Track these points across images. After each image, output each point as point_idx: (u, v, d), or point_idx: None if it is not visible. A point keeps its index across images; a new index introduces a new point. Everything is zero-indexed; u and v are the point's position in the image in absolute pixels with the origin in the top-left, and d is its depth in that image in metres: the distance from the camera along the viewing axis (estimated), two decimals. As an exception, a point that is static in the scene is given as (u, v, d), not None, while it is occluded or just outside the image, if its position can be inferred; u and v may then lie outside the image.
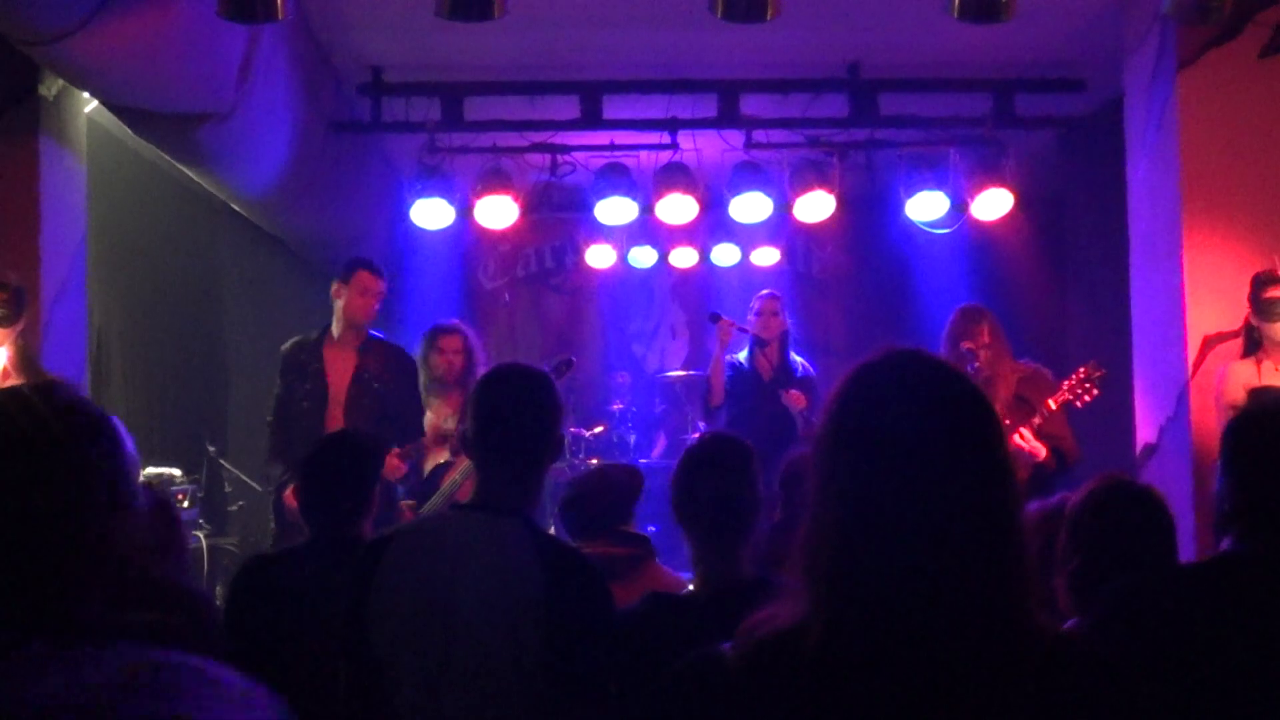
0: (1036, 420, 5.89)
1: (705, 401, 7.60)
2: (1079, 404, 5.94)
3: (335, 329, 6.28)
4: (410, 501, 6.28)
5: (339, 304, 6.25)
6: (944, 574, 1.60)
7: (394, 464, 5.89)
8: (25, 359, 5.55)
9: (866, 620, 1.61)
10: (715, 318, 7.56)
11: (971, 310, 6.37)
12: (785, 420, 7.26)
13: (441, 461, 6.51)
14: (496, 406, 2.95)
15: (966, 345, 6.14)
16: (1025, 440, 5.81)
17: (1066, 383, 5.98)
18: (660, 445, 10.52)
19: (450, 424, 6.45)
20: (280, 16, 4.63)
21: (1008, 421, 5.76)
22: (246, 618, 3.67)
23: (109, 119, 6.50)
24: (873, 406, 1.69)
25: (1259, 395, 5.44)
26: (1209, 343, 6.12)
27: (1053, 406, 5.93)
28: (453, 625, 2.76)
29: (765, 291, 7.74)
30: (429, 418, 6.51)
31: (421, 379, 6.59)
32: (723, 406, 7.43)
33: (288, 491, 5.74)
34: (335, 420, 6.06)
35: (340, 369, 6.19)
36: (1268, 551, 2.44)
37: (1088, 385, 5.92)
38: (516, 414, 2.94)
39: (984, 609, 1.60)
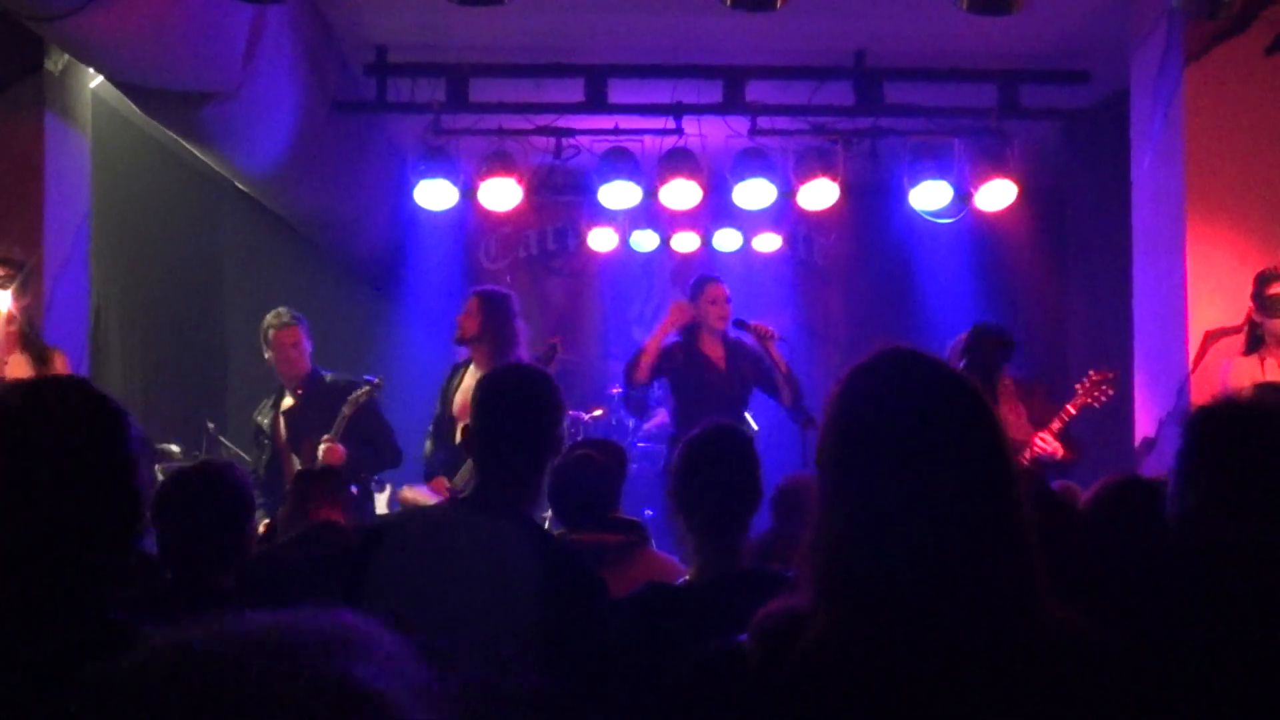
0: (1056, 424, 5.88)
1: (628, 375, 7.06)
2: (1097, 405, 5.94)
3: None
4: (442, 478, 6.32)
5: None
6: (951, 569, 1.62)
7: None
8: (28, 334, 5.56)
9: (876, 618, 1.62)
10: (742, 324, 6.94)
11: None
12: (739, 405, 7.07)
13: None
14: (496, 407, 2.95)
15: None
16: (1046, 443, 5.83)
17: (1080, 386, 5.97)
18: (659, 419, 10.41)
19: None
20: (287, -3, 4.62)
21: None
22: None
23: (113, 94, 6.50)
24: (872, 406, 1.70)
25: (1264, 391, 5.44)
26: (1210, 337, 6.12)
27: (1073, 411, 5.92)
28: (445, 623, 2.71)
29: (711, 275, 7.27)
30: (459, 396, 6.52)
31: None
32: (648, 388, 7.11)
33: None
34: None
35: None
36: (1241, 540, 2.45)
37: (1103, 386, 5.92)
38: (516, 415, 2.92)
39: (991, 602, 1.62)
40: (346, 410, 6.44)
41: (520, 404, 2.93)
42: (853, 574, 1.64)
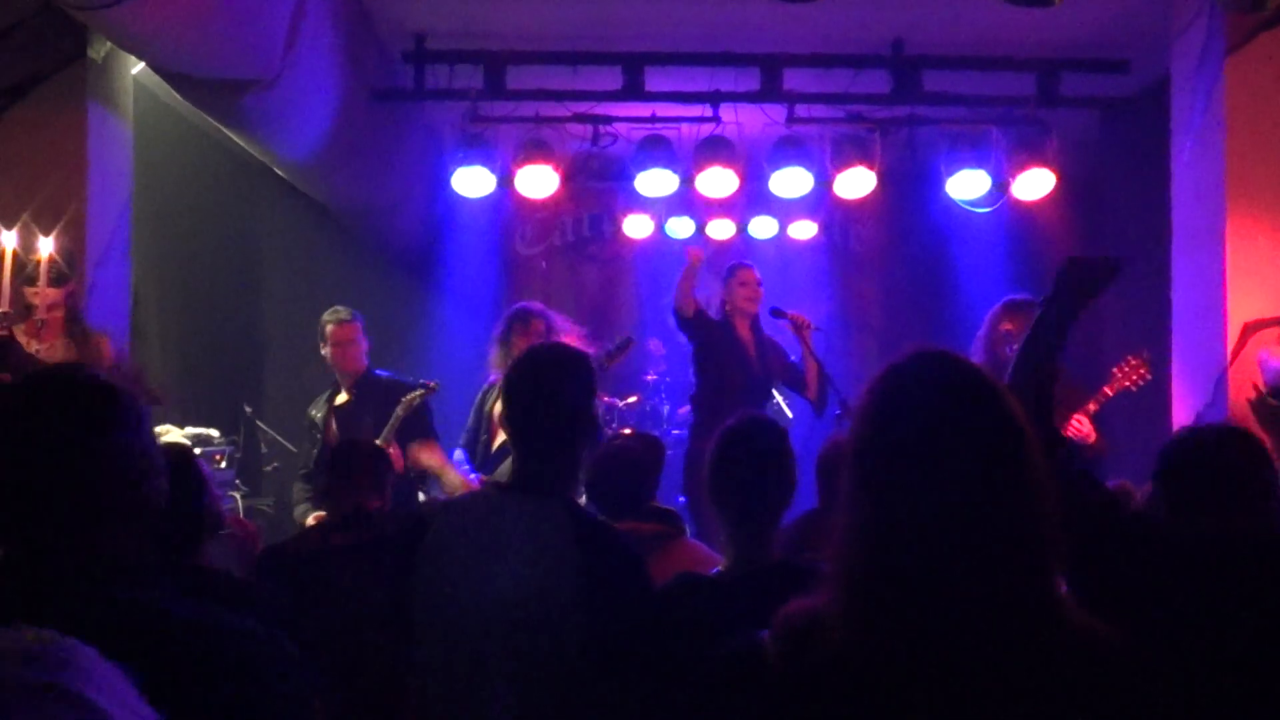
0: (1092, 406, 5.89)
1: (678, 312, 7.08)
2: (1134, 389, 5.94)
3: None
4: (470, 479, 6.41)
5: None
6: (972, 572, 1.63)
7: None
8: (73, 320, 5.64)
9: (897, 616, 1.64)
10: (779, 313, 6.89)
11: (1016, 302, 6.32)
12: (767, 391, 7.24)
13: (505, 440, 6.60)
14: (530, 388, 2.97)
15: (1006, 327, 6.15)
16: (1081, 425, 5.84)
17: (1119, 370, 5.97)
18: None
19: None
20: (329, -14, 4.65)
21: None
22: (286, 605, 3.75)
23: (155, 81, 6.55)
24: (901, 409, 1.72)
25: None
26: (1249, 329, 6.08)
27: (1109, 393, 5.92)
28: (492, 604, 2.78)
29: (746, 263, 7.36)
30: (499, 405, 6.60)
31: (498, 359, 6.70)
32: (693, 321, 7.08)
33: None
34: None
35: None
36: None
37: (1141, 370, 5.92)
38: (550, 395, 2.94)
39: (1011, 603, 1.64)
40: (400, 411, 6.50)
41: (553, 386, 2.95)
42: (876, 573, 1.66)
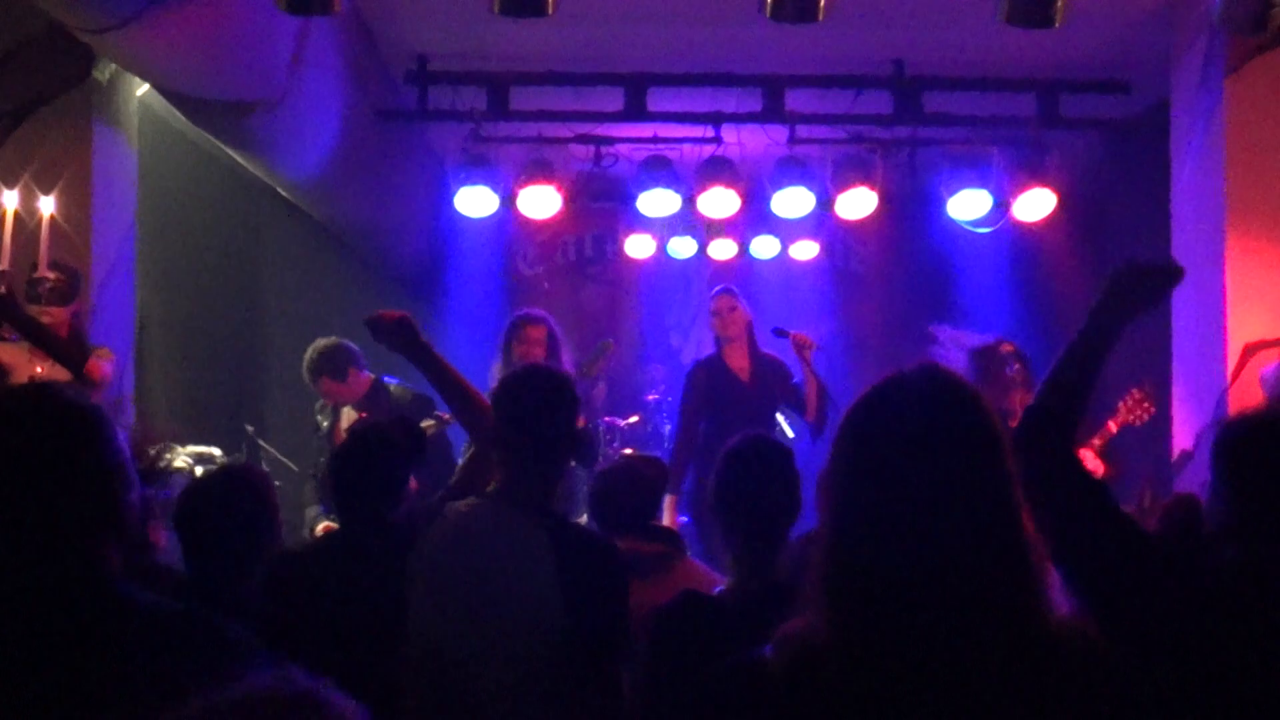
0: (1097, 442, 5.86)
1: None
2: (1138, 424, 5.92)
3: None
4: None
5: None
6: (955, 585, 1.66)
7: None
8: (77, 340, 5.66)
9: (881, 628, 1.67)
10: (781, 332, 6.96)
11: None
12: (768, 418, 7.16)
13: None
14: (515, 408, 3.19)
15: (1007, 348, 6.14)
16: (1087, 462, 5.80)
17: (1122, 404, 5.95)
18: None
19: None
20: (335, 9, 4.69)
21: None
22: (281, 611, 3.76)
23: (160, 102, 6.59)
24: (886, 423, 1.75)
25: None
26: (1250, 350, 6.09)
27: (1113, 429, 5.91)
28: (481, 611, 2.98)
29: (717, 289, 7.37)
30: None
31: (499, 370, 6.67)
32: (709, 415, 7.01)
33: None
34: None
35: None
36: (1271, 561, 2.43)
37: (1145, 404, 5.89)
38: (534, 415, 3.16)
39: (996, 616, 1.67)
40: None
41: (537, 406, 3.18)
42: (859, 586, 1.69)
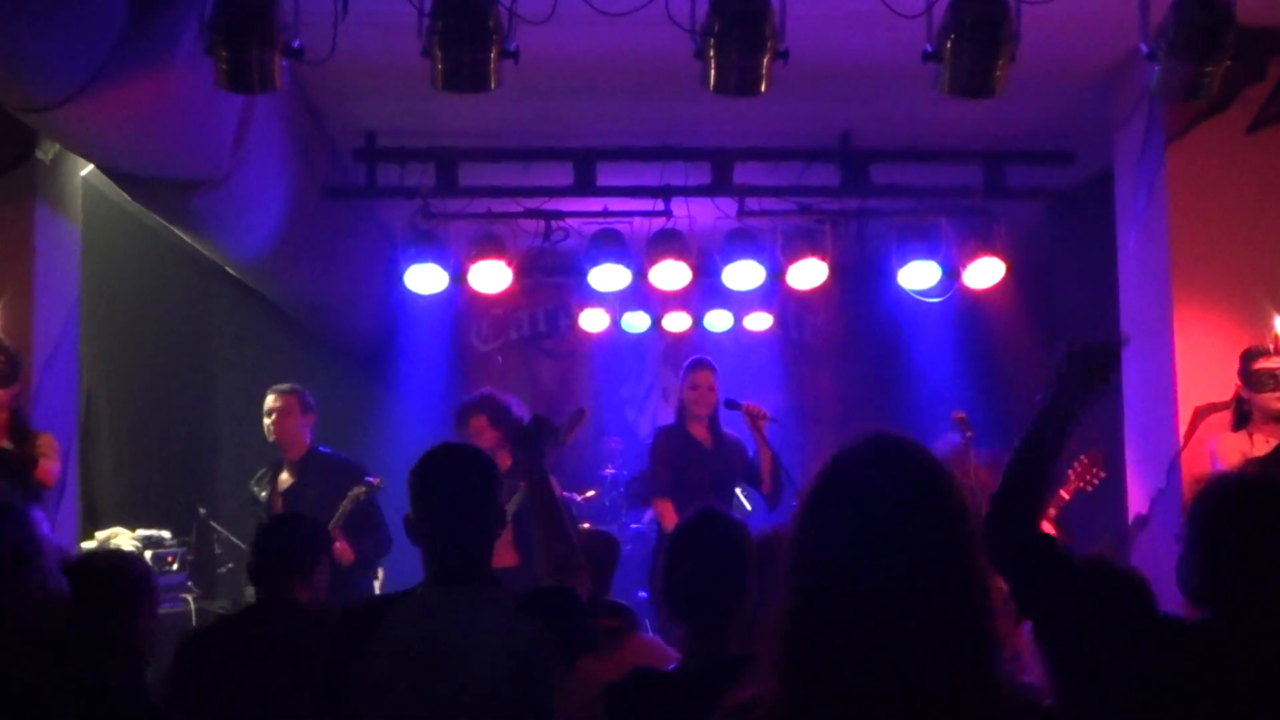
0: (1052, 512, 5.85)
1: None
2: (1089, 489, 5.94)
3: None
4: None
5: None
6: (914, 653, 1.65)
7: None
8: (17, 423, 5.58)
9: (842, 699, 1.65)
10: (733, 405, 6.99)
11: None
12: (727, 488, 7.14)
13: None
14: (436, 489, 3.10)
15: (958, 415, 6.17)
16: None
17: (1072, 472, 5.98)
18: (650, 511, 10.45)
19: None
20: (277, 86, 4.66)
21: None
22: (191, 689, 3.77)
23: (104, 181, 6.53)
24: (847, 491, 1.73)
25: (1254, 467, 5.42)
26: (1199, 414, 6.12)
27: (1066, 496, 5.92)
28: (441, 694, 2.92)
29: (700, 360, 7.22)
30: None
31: None
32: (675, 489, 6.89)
33: None
34: None
35: None
36: (1239, 624, 2.48)
37: (1094, 470, 5.93)
38: (459, 492, 3.09)
39: (951, 685, 1.66)
40: (346, 505, 6.51)
41: (459, 483, 3.10)
42: (812, 656, 1.67)
